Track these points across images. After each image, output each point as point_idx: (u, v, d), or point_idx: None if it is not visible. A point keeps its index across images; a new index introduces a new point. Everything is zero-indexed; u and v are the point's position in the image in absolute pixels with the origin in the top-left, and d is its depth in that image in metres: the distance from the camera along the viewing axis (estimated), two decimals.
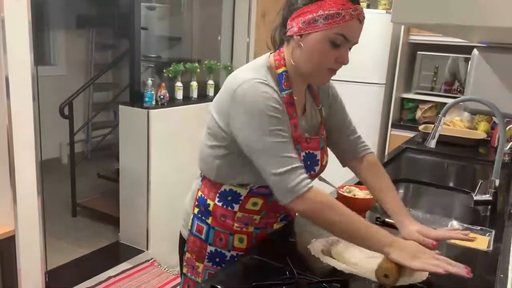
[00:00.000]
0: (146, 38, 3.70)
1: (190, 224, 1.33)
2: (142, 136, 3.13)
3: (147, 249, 3.28)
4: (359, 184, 1.81)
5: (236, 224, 1.27)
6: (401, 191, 2.05)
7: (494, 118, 2.96)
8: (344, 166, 1.46)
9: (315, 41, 1.13)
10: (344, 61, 1.18)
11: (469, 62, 1.94)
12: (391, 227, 1.46)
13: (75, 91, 3.85)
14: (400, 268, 1.09)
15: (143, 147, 3.14)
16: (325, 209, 1.11)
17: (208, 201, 1.29)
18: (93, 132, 5.40)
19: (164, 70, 3.40)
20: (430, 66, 3.54)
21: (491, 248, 1.37)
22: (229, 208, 1.26)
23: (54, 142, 4.94)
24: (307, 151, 1.26)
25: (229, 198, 1.26)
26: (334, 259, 1.21)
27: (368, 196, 1.54)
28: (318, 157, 1.29)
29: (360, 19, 1.16)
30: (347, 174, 2.03)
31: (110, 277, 2.92)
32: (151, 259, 3.18)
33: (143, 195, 3.19)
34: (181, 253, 1.39)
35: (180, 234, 1.40)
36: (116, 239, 3.45)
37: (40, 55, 4.90)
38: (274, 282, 1.04)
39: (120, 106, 3.26)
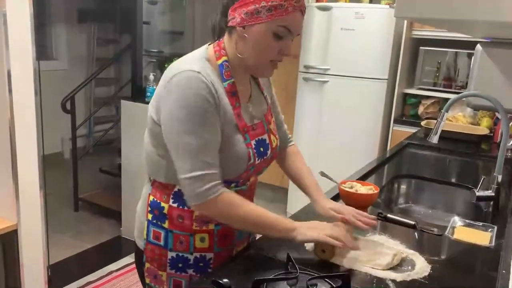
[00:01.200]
0: (148, 32, 3.70)
1: (145, 232, 1.27)
2: (144, 131, 3.13)
3: None
4: (361, 179, 1.81)
5: (195, 224, 1.22)
6: (403, 186, 2.05)
7: (497, 114, 2.96)
8: None
9: (258, 33, 1.11)
10: (287, 53, 1.16)
11: (472, 57, 1.93)
12: (393, 222, 1.46)
13: (77, 86, 3.85)
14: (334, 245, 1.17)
15: None
16: (231, 210, 1.13)
17: (162, 204, 1.23)
18: (95, 127, 5.40)
19: (166, 65, 3.40)
20: (433, 61, 3.52)
21: (493, 244, 1.37)
22: (186, 207, 1.21)
23: (56, 136, 4.95)
24: (257, 138, 1.23)
25: (184, 197, 1.19)
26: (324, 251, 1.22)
27: (370, 192, 1.54)
28: (267, 141, 1.27)
29: (302, 10, 1.13)
30: (348, 169, 2.03)
31: (112, 272, 2.93)
32: None
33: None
34: (140, 264, 1.32)
35: (136, 245, 1.33)
36: (118, 234, 3.46)
37: (42, 49, 4.90)
38: (275, 277, 1.04)
39: (122, 101, 3.26)
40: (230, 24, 1.15)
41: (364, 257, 1.19)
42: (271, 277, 1.03)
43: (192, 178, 1.09)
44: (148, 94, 3.13)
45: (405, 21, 3.44)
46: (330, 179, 1.60)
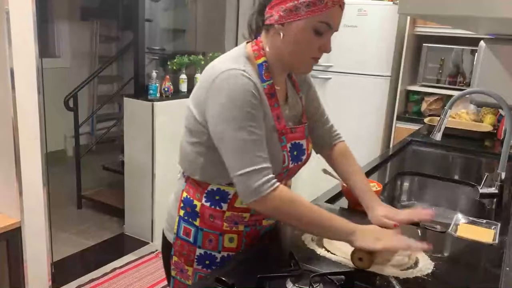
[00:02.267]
0: (150, 30, 3.70)
1: (176, 227, 1.28)
2: (146, 129, 3.14)
3: (152, 241, 3.29)
4: None
5: (225, 224, 1.22)
6: (406, 183, 2.04)
7: (500, 111, 2.95)
8: (317, 153, 1.45)
9: (297, 30, 1.09)
10: (327, 49, 1.14)
11: (476, 54, 1.92)
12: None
13: (79, 84, 3.86)
14: (373, 253, 1.12)
15: (148, 139, 3.15)
16: (288, 206, 1.10)
17: (195, 202, 1.23)
18: (97, 125, 5.41)
19: (168, 63, 3.40)
20: (436, 58, 3.51)
21: (496, 241, 1.36)
22: (217, 207, 1.21)
23: (59, 134, 4.96)
24: (293, 142, 1.22)
25: (217, 197, 1.20)
26: (325, 247, 1.22)
27: (373, 189, 1.53)
28: (304, 146, 1.26)
29: (341, 5, 1.11)
30: None
31: (115, 269, 2.94)
32: (156, 250, 3.19)
33: (147, 187, 3.20)
34: (167, 256, 1.32)
35: (165, 237, 1.34)
36: (121, 231, 3.47)
37: (45, 47, 4.90)
38: (279, 274, 1.04)
39: (125, 99, 3.26)
40: (267, 22, 1.13)
41: (379, 257, 1.16)
42: (274, 274, 1.03)
43: (248, 173, 1.06)
44: (151, 91, 3.13)
45: (408, 18, 3.43)
46: (333, 176, 1.59)
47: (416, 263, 1.18)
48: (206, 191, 1.21)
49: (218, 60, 1.17)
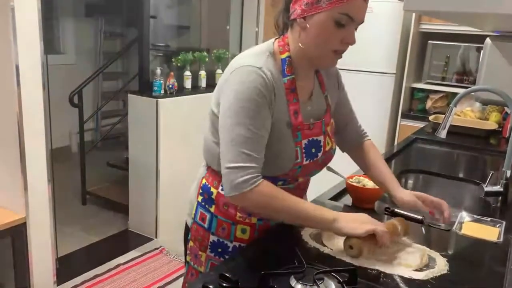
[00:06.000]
0: (155, 26, 3.70)
1: (194, 212, 1.33)
2: (151, 125, 3.14)
3: (156, 237, 3.30)
4: None
5: (239, 214, 1.25)
6: (411, 181, 2.04)
7: (506, 108, 2.93)
8: (343, 151, 1.50)
9: (319, 22, 1.11)
10: (350, 42, 1.14)
11: (482, 51, 1.91)
12: (400, 217, 1.45)
13: (84, 80, 3.87)
14: (365, 243, 1.12)
15: (152, 136, 3.15)
16: (268, 201, 1.12)
17: (212, 189, 1.28)
18: (102, 121, 5.42)
19: (173, 59, 3.40)
20: (441, 55, 3.49)
21: (501, 239, 1.36)
22: None
23: (64, 130, 4.98)
24: (309, 139, 1.23)
25: (221, 186, 1.23)
26: (324, 243, 1.22)
27: (377, 186, 1.53)
28: (322, 142, 1.27)
29: None
30: (355, 164, 2.02)
31: (119, 265, 2.95)
32: (160, 247, 3.21)
33: (152, 183, 3.20)
34: (185, 241, 1.39)
35: (186, 222, 1.40)
36: (125, 227, 3.48)
37: (50, 43, 4.92)
38: (283, 271, 1.04)
39: (129, 95, 3.27)
40: (291, 17, 1.16)
41: (386, 255, 1.16)
42: (278, 271, 1.03)
43: (232, 168, 1.10)
44: (155, 88, 3.14)
45: (413, 15, 3.41)
46: (337, 173, 1.59)
47: (427, 265, 1.16)
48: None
49: (241, 55, 1.21)
